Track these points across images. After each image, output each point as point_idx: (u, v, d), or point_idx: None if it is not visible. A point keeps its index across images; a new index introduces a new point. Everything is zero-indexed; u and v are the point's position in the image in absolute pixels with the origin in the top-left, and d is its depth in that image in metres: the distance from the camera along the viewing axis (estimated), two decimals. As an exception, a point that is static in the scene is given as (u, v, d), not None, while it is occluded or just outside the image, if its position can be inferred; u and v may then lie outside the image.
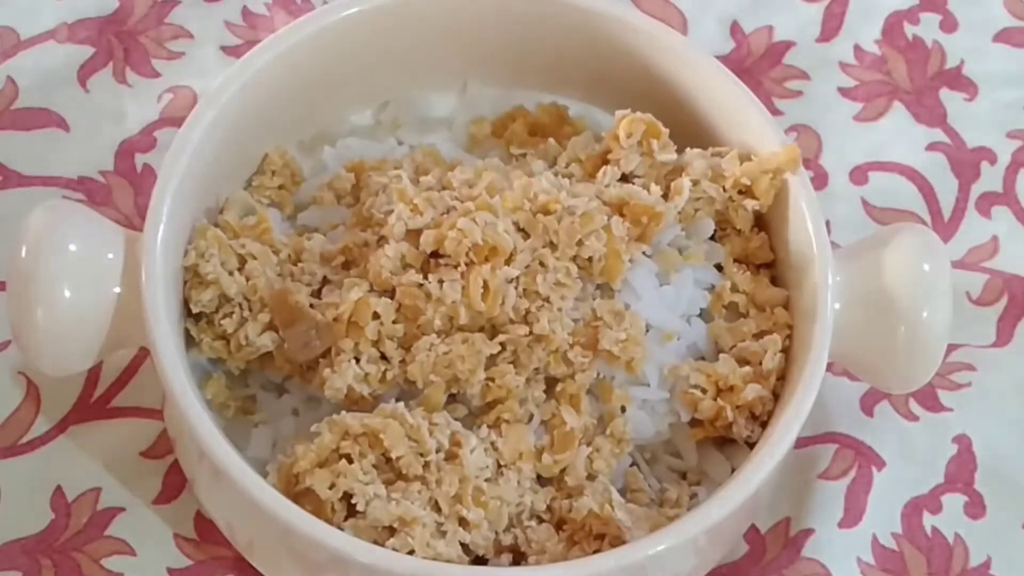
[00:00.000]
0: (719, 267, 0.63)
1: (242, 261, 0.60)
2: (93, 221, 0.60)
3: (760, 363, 0.60)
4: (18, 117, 0.71)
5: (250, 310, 0.60)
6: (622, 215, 0.60)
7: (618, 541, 0.57)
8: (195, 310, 0.60)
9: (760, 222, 0.64)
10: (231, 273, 0.60)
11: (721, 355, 0.61)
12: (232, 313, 0.60)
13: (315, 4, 0.74)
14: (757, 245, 0.63)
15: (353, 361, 0.58)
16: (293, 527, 0.55)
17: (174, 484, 0.64)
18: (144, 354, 0.65)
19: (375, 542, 0.56)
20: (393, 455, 0.57)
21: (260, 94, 0.62)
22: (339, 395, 0.58)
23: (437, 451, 0.57)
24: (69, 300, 0.58)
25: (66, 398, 0.65)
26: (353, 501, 0.57)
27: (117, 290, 0.59)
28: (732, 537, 0.62)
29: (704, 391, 0.60)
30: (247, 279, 0.60)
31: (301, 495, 0.57)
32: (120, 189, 0.70)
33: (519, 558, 0.58)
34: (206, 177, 0.61)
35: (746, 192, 0.62)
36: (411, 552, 0.56)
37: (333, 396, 0.59)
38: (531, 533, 0.58)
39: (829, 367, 0.59)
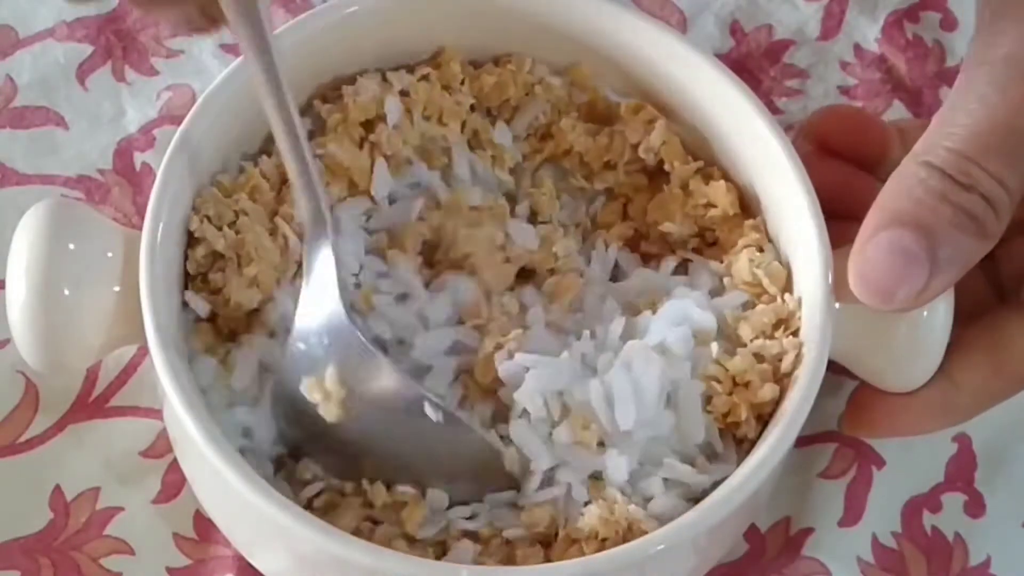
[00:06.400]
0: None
1: (236, 216, 0.60)
2: (92, 220, 0.60)
3: (780, 360, 0.60)
4: (17, 115, 0.71)
5: (238, 265, 0.60)
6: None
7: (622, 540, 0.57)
8: (191, 271, 0.60)
9: (753, 214, 0.64)
10: (220, 228, 0.60)
11: (739, 350, 0.60)
12: (224, 268, 0.60)
13: (315, 2, 0.74)
14: (730, 201, 0.63)
15: None
16: (293, 527, 0.55)
17: (173, 483, 0.64)
18: (143, 353, 0.65)
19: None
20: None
21: (260, 92, 0.62)
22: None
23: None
24: (68, 299, 0.58)
25: (65, 397, 0.65)
26: None
27: (116, 289, 0.59)
28: (732, 536, 0.62)
29: (719, 381, 0.60)
30: (236, 233, 0.60)
31: None
32: (119, 188, 0.70)
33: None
34: (205, 176, 0.61)
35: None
36: (405, 536, 0.56)
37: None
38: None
39: (829, 366, 0.59)
